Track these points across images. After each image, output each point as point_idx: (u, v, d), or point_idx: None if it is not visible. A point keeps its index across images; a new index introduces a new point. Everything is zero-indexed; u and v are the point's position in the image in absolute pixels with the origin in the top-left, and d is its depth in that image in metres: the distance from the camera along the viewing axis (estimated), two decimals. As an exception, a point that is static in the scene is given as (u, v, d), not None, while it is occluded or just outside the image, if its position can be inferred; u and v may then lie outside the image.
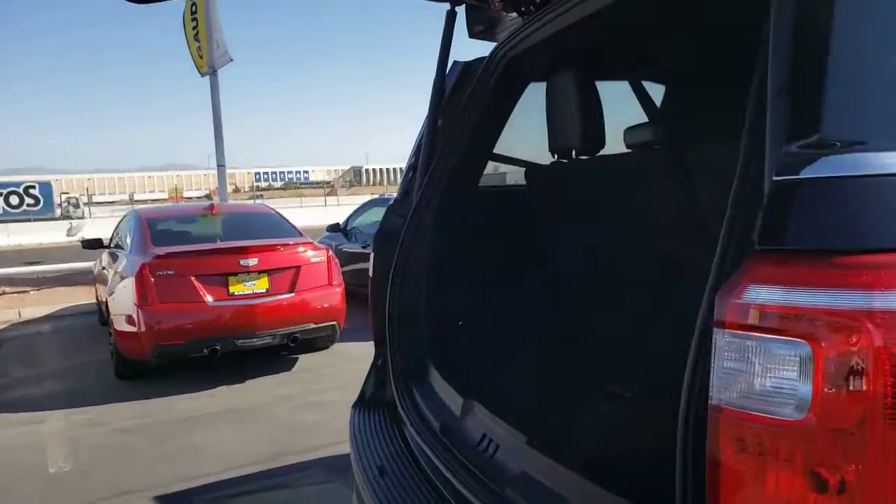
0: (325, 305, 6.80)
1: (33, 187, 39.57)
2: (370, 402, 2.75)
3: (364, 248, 9.51)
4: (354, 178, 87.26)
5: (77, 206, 43.95)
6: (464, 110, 2.66)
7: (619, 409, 1.99)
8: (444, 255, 2.71)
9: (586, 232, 2.61)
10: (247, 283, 6.45)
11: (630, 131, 2.17)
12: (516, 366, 2.53)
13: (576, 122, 2.36)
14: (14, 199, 38.35)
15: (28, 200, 38.70)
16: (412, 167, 2.83)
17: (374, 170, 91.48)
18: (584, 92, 2.34)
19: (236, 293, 6.40)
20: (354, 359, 7.12)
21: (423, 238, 2.68)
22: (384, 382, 2.76)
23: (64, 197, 46.08)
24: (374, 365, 2.84)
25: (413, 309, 2.67)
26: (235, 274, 6.40)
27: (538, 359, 2.61)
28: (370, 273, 2.83)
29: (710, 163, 1.92)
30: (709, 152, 1.92)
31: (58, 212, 40.03)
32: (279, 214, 7.99)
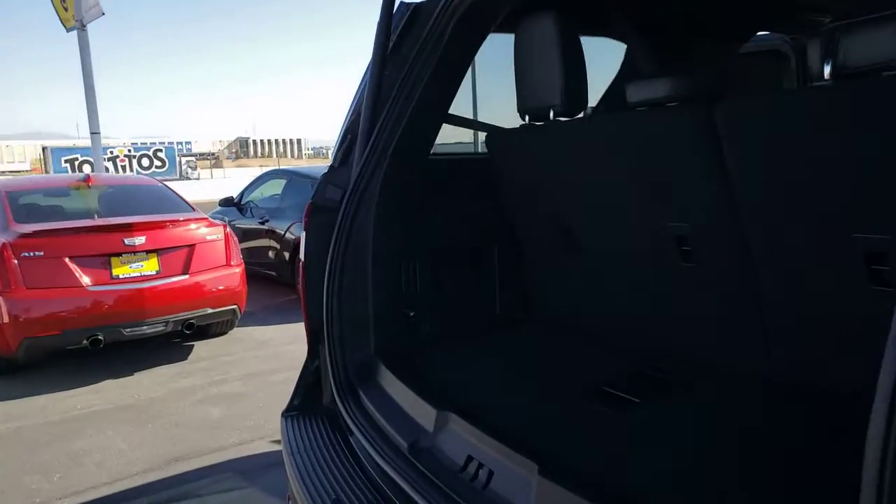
0: (224, 288, 6.18)
1: None
2: (305, 409, 2.32)
3: (262, 223, 8.84)
4: (241, 149, 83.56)
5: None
6: (414, 62, 2.25)
7: (639, 417, 1.70)
8: (394, 234, 2.31)
9: (567, 206, 2.29)
10: (133, 265, 5.72)
11: (639, 86, 1.85)
12: (493, 364, 2.19)
13: (556, 78, 2.02)
14: None
15: None
16: (349, 130, 2.39)
17: (261, 141, 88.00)
18: (567, 41, 1.99)
19: (121, 276, 5.65)
20: (257, 344, 6.55)
21: (367, 214, 2.27)
22: (321, 385, 2.34)
23: None
24: (307, 364, 2.41)
25: (357, 297, 2.26)
26: (119, 254, 5.65)
27: (518, 355, 2.29)
28: (301, 256, 2.39)
29: (746, 122, 1.64)
30: (746, 109, 1.64)
31: None
32: (167, 187, 7.19)
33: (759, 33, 3.16)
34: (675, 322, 2.02)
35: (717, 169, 1.68)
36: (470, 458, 1.55)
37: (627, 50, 2.89)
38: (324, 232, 2.34)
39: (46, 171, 35.26)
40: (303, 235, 2.40)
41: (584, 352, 2.20)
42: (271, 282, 8.84)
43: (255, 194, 9.63)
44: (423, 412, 1.80)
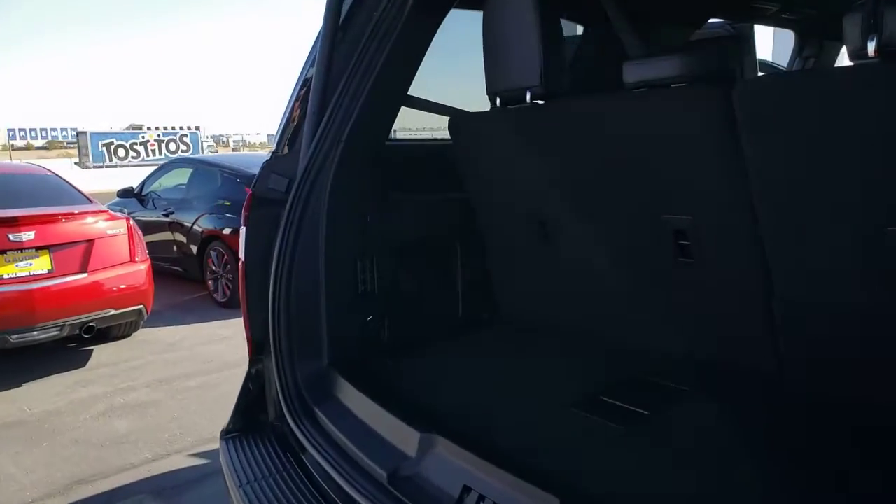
0: (128, 286, 5.65)
1: None
2: (249, 429, 2.04)
3: (166, 215, 8.22)
4: (133, 137, 78.96)
5: None
6: (370, 39, 2.00)
7: (653, 432, 1.54)
8: (349, 228, 2.06)
9: (543, 198, 2.10)
10: (20, 263, 5.10)
11: (639, 66, 1.67)
12: (468, 374, 1.98)
13: (534, 57, 1.82)
14: None
15: None
16: (295, 112, 2.11)
17: (156, 128, 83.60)
18: (546, 16, 1.80)
19: (5, 276, 5.03)
20: (167, 347, 6.06)
21: (318, 207, 2.00)
22: (266, 399, 2.06)
23: None
24: (249, 379, 2.11)
25: (307, 301, 2.00)
26: (3, 252, 5.02)
27: (494, 362, 2.09)
28: (241, 254, 2.09)
29: (769, 104, 1.50)
30: (770, 89, 1.50)
31: None
32: (59, 177, 6.51)
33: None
34: (669, 322, 1.89)
35: (730, 155, 1.54)
36: (467, 489, 1.34)
37: (585, 34, 2.74)
38: (267, 227, 2.05)
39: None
40: (242, 232, 2.10)
41: (566, 357, 2.03)
42: (178, 278, 8.25)
43: (159, 184, 8.96)
44: (400, 434, 1.57)
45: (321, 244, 2.01)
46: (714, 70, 1.58)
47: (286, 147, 2.11)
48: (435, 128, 2.45)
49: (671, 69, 1.60)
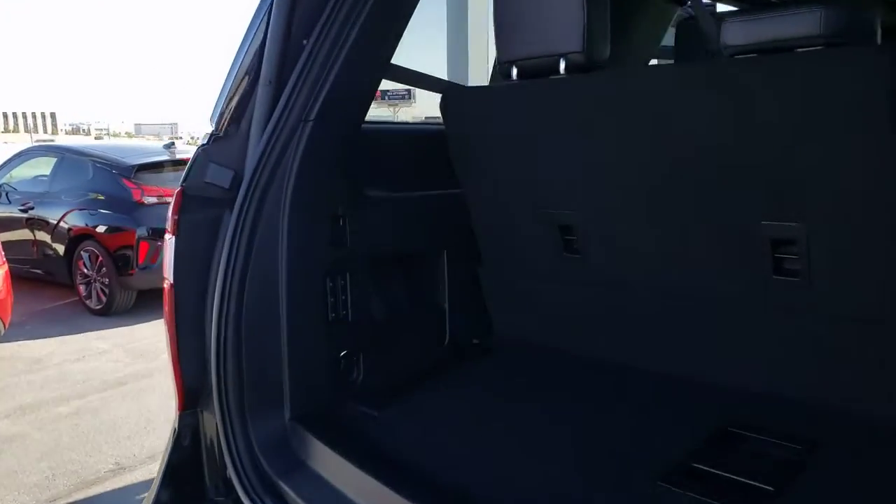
0: (-20, 296, 4.72)
1: None
2: (181, 509, 1.50)
3: (24, 211, 7.12)
4: (-23, 121, 71.42)
5: None
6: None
7: None
8: (318, 238, 1.58)
9: (571, 196, 1.69)
10: None
11: (753, 23, 1.29)
12: (480, 424, 1.53)
13: (574, 17, 1.42)
14: None
15: None
16: (240, 85, 1.59)
17: (10, 114, 76.10)
18: None
19: None
20: (29, 365, 5.15)
21: (277, 207, 1.51)
22: (204, 466, 1.54)
23: None
24: (178, 438, 1.57)
25: (264, 335, 1.50)
26: None
27: (511, 406, 1.64)
28: (168, 274, 1.55)
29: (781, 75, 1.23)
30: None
31: None
32: None
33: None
34: (755, 357, 1.53)
35: (880, 141, 1.19)
36: None
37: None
38: (205, 236, 1.53)
39: None
40: (169, 243, 1.55)
41: (605, 400, 1.63)
42: (39, 283, 7.17)
43: (14, 175, 7.77)
44: None
45: (282, 259, 1.51)
46: (862, 29, 1.24)
47: (227, 126, 1.58)
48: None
49: (807, 26, 1.23)
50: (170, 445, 1.59)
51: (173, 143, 7.45)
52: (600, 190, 1.61)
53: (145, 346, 5.55)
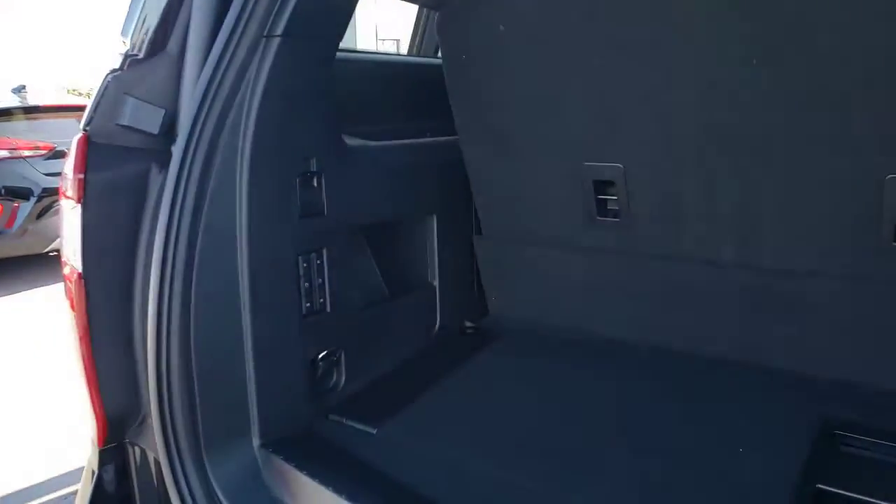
0: None
1: None
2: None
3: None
4: None
5: None
6: None
7: None
8: (287, 201, 1.15)
9: (599, 132, 1.28)
10: None
11: None
12: (504, 442, 1.16)
13: None
14: None
15: None
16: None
17: None
18: None
19: None
20: None
21: (232, 160, 1.08)
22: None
23: None
24: (99, 481, 1.13)
25: (220, 339, 1.08)
26: None
27: (541, 411, 1.26)
28: (70, 252, 1.08)
29: None
30: None
31: None
32: None
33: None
34: (855, 342, 1.22)
35: None
36: None
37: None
38: (124, 202, 1.07)
39: None
40: (69, 213, 1.07)
41: (660, 404, 1.29)
42: None
43: None
44: None
45: (241, 234, 1.07)
46: None
47: (150, 42, 1.09)
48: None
49: None
50: (88, 494, 1.14)
51: (24, 87, 6.35)
52: (661, 132, 1.24)
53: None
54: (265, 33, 1.08)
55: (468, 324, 1.65)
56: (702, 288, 1.34)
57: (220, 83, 1.06)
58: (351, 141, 1.32)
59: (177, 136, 1.07)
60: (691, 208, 1.29)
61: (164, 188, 1.04)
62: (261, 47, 1.08)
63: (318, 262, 1.24)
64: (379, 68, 1.63)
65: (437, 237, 1.56)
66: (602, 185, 1.38)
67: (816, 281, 1.23)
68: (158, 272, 1.02)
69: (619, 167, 1.33)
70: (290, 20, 1.08)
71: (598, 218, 1.41)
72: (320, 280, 1.24)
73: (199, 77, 1.07)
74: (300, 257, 1.20)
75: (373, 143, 1.38)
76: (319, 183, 1.22)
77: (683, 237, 1.34)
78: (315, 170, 1.21)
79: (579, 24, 1.24)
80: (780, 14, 1.07)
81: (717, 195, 1.25)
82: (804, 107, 1.11)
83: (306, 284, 1.21)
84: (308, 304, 1.22)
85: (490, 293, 1.68)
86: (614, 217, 1.40)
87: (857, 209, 1.13)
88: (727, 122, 1.18)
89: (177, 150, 1.03)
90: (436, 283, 1.56)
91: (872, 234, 1.13)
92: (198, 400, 1.06)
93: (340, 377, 1.31)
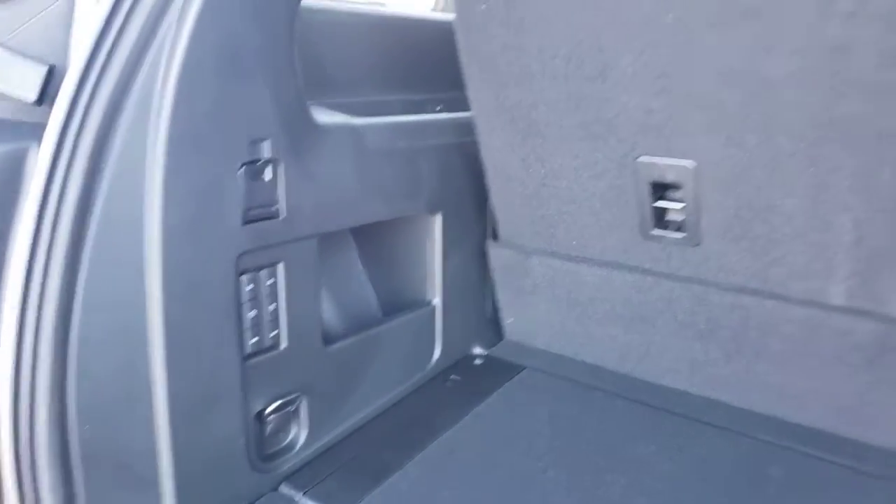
0: None
1: None
2: None
3: None
4: None
5: None
6: None
7: None
8: (220, 201, 0.82)
9: (661, 119, 0.93)
10: None
11: None
12: None
13: None
14: None
15: None
16: None
17: None
18: None
19: None
20: None
21: (135, 145, 0.74)
22: None
23: None
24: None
25: (112, 387, 0.76)
26: None
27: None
28: None
29: None
30: None
31: None
32: None
33: None
34: None
35: None
36: None
37: None
38: None
39: None
40: None
41: (721, 475, 0.94)
42: None
43: None
44: None
45: (153, 244, 0.75)
46: None
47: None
48: None
49: None
50: None
51: None
52: (756, 120, 0.88)
53: None
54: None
55: (477, 351, 1.31)
56: (795, 337, 0.98)
57: (124, 27, 0.73)
58: (323, 116, 0.98)
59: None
60: (789, 229, 0.93)
61: (33, 182, 0.71)
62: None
63: (271, 281, 0.91)
64: (365, 22, 1.26)
65: (443, 242, 1.22)
66: (663, 188, 1.02)
67: None
68: (21, 297, 0.70)
69: (688, 166, 0.97)
70: None
71: (656, 231, 1.06)
72: (273, 306, 0.91)
73: (93, 20, 0.74)
74: (243, 277, 0.87)
75: (357, 120, 1.04)
76: (275, 174, 0.88)
77: (773, 267, 0.98)
78: (268, 156, 0.87)
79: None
80: None
81: (830, 214, 0.89)
82: None
83: (252, 313, 0.88)
84: (255, 340, 0.89)
85: (506, 314, 1.34)
86: (677, 231, 1.05)
87: None
88: (858, 113, 0.81)
89: (52, 127, 0.71)
90: (436, 300, 1.22)
91: None
92: (78, 481, 0.74)
93: (299, 434, 0.99)
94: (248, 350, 0.89)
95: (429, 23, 1.32)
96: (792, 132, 0.87)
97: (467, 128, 1.19)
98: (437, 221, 1.21)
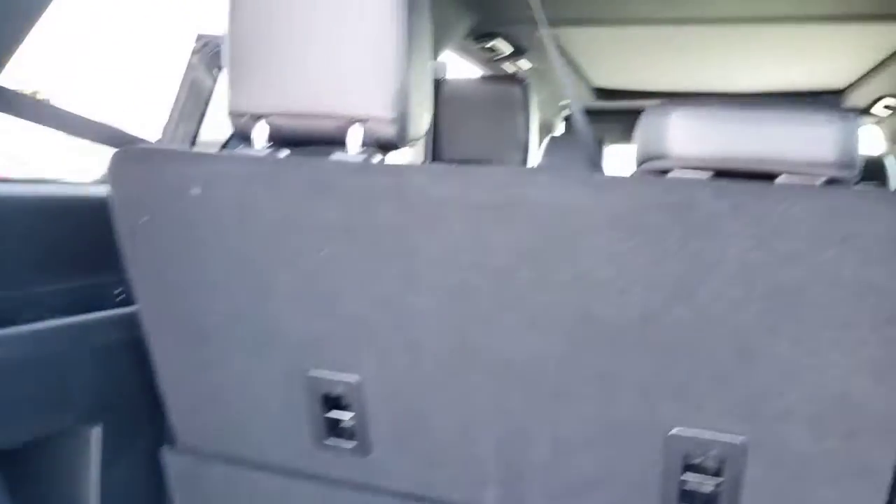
0: None
1: None
2: None
3: None
4: None
5: None
6: None
7: None
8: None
9: (334, 333, 0.92)
10: None
11: None
12: None
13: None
14: None
15: None
16: None
17: None
18: None
19: None
20: None
21: None
22: None
23: None
24: None
25: None
26: None
27: None
28: None
29: None
30: None
31: None
32: None
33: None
34: None
35: None
36: None
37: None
38: None
39: None
40: None
41: None
42: None
43: None
44: None
45: None
46: None
47: None
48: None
49: None
50: None
51: None
52: (405, 341, 0.92)
53: None
54: None
55: None
56: None
57: None
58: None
59: None
60: (444, 440, 0.99)
61: None
62: None
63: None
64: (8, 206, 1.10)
65: (103, 456, 1.08)
66: (334, 399, 1.03)
67: None
68: None
69: (351, 381, 1.00)
70: None
71: (330, 440, 1.05)
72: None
73: None
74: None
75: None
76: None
77: (435, 474, 1.02)
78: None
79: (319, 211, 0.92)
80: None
81: (478, 425, 0.96)
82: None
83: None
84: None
85: None
86: (350, 439, 1.05)
87: (645, 458, 0.90)
88: (486, 345, 0.91)
89: None
90: None
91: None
92: None
93: None
94: None
95: (88, 200, 1.20)
96: (437, 357, 0.95)
97: (132, 322, 1.10)
98: (97, 434, 1.07)
